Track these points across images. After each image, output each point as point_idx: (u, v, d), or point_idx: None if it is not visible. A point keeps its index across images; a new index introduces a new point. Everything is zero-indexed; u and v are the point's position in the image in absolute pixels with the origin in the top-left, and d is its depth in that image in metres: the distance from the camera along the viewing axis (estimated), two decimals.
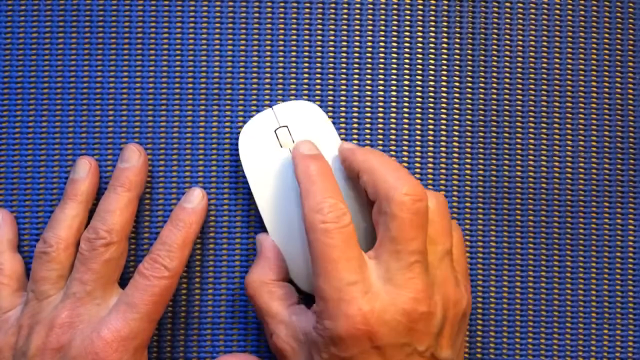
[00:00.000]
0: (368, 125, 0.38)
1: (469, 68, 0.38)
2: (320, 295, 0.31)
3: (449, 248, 0.32)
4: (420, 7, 0.38)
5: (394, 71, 0.38)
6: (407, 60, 0.38)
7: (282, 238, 0.36)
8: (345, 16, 0.38)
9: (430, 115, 0.38)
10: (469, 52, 0.38)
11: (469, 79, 0.38)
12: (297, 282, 0.36)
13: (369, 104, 0.38)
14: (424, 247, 0.31)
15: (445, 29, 0.38)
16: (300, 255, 0.35)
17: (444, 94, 0.38)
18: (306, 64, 0.38)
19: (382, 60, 0.38)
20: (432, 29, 0.38)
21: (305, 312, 0.33)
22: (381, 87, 0.38)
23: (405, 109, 0.38)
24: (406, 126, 0.38)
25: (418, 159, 0.38)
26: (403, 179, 0.32)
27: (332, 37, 0.38)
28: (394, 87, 0.38)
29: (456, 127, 0.38)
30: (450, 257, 0.33)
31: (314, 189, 0.32)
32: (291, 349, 0.33)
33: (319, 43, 0.38)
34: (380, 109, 0.38)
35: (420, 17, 0.38)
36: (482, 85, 0.38)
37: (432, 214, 0.32)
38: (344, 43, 0.38)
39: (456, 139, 0.38)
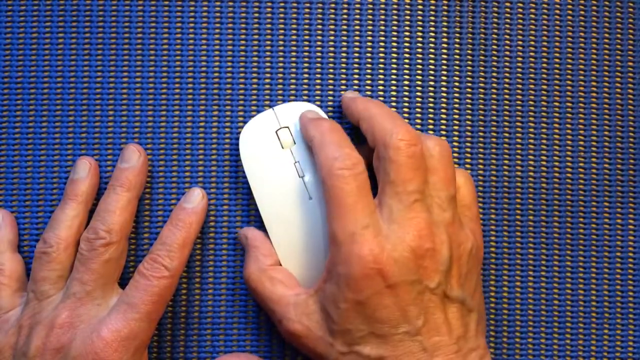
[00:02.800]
0: None
1: (469, 68, 0.38)
2: (334, 241, 0.32)
3: (453, 194, 0.33)
4: (420, 7, 0.38)
5: (394, 71, 0.38)
6: (407, 60, 0.38)
7: (282, 239, 0.36)
8: (345, 16, 0.38)
9: (430, 115, 0.38)
10: (469, 52, 0.38)
11: (469, 79, 0.38)
12: (299, 282, 0.36)
13: None
14: (422, 187, 0.32)
15: (445, 29, 0.38)
16: (299, 254, 0.35)
17: (444, 94, 0.38)
18: (306, 64, 0.38)
19: (382, 60, 0.38)
20: (432, 29, 0.38)
21: (306, 293, 0.34)
22: (381, 87, 0.38)
23: (405, 109, 0.38)
24: None
25: None
26: (398, 126, 0.33)
27: (332, 37, 0.38)
28: (394, 87, 0.38)
29: (456, 127, 0.38)
30: (455, 203, 0.34)
31: (330, 140, 0.33)
32: (304, 328, 0.33)
33: (319, 43, 0.38)
34: None
35: (420, 17, 0.38)
36: (482, 85, 0.38)
37: (435, 161, 0.33)
38: (344, 43, 0.38)
39: (456, 138, 0.38)
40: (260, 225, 0.37)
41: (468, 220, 0.34)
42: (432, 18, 0.38)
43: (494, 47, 0.38)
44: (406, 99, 0.38)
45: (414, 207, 0.32)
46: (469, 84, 0.38)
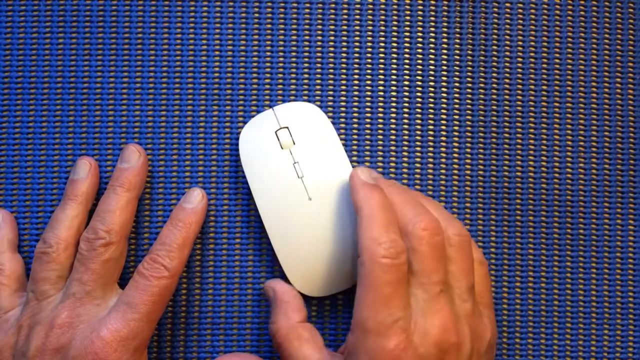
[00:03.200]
0: (368, 125, 0.38)
1: (469, 68, 0.38)
2: (362, 327, 0.31)
3: (472, 284, 0.33)
4: (420, 7, 0.38)
5: (394, 71, 0.38)
6: (407, 60, 0.38)
7: (282, 239, 0.36)
8: (345, 16, 0.38)
9: (430, 115, 0.38)
10: (469, 52, 0.38)
11: (469, 78, 0.38)
12: (295, 284, 0.36)
13: (369, 104, 0.38)
14: (445, 277, 0.32)
15: (445, 29, 0.38)
16: (299, 257, 0.35)
17: (444, 94, 0.38)
18: (306, 64, 0.38)
19: (382, 60, 0.38)
20: (432, 29, 0.38)
21: (334, 354, 0.33)
22: (381, 87, 0.38)
23: (405, 109, 0.38)
24: (406, 126, 0.38)
25: (418, 159, 0.38)
26: (421, 214, 0.32)
27: (332, 37, 0.38)
28: (394, 87, 0.38)
29: (456, 127, 0.38)
30: (474, 292, 0.33)
31: (378, 219, 0.32)
32: None
33: (319, 43, 0.38)
34: (380, 109, 0.38)
35: (420, 17, 0.38)
36: (482, 84, 0.38)
37: (454, 251, 0.32)
38: (344, 43, 0.38)
39: (456, 139, 0.38)
40: (261, 226, 0.37)
41: (483, 308, 0.34)
42: (432, 18, 0.38)
43: (494, 47, 0.38)
44: (406, 99, 0.38)
45: (439, 299, 0.31)
46: (469, 84, 0.38)
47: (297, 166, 0.35)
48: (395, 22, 0.38)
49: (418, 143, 0.38)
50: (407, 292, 0.31)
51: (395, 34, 0.38)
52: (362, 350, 0.31)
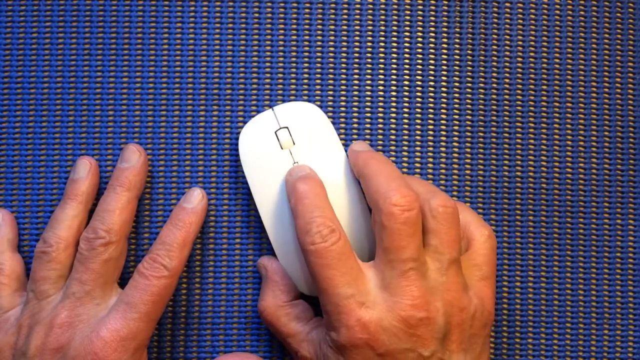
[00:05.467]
0: (368, 125, 0.38)
1: (469, 68, 0.38)
2: (323, 309, 0.32)
3: (456, 257, 0.32)
4: (420, 7, 0.38)
5: (394, 71, 0.38)
6: (407, 60, 0.38)
7: (281, 239, 0.36)
8: (345, 16, 0.38)
9: (430, 115, 0.38)
10: (469, 52, 0.38)
11: (469, 79, 0.38)
12: (297, 284, 0.36)
13: (369, 104, 0.38)
14: (417, 254, 0.31)
15: (445, 29, 0.38)
16: (299, 257, 0.35)
17: (444, 94, 0.38)
18: (306, 64, 0.38)
19: (382, 60, 0.38)
20: (432, 29, 0.38)
21: (321, 326, 0.34)
22: (381, 87, 0.38)
23: (405, 109, 0.38)
24: (406, 126, 0.38)
25: (418, 159, 0.38)
26: (393, 189, 0.32)
27: (332, 37, 0.38)
28: (394, 87, 0.38)
29: (456, 127, 0.38)
30: (458, 265, 0.33)
31: (301, 209, 0.33)
32: None
33: (319, 43, 0.38)
34: (380, 109, 0.38)
35: (420, 17, 0.38)
36: (482, 85, 0.38)
37: (437, 223, 0.32)
38: (344, 43, 0.38)
39: (456, 139, 0.38)
40: (261, 226, 0.37)
41: (476, 281, 0.33)
42: (432, 18, 0.38)
43: (494, 47, 0.38)
44: (406, 99, 0.38)
45: (408, 276, 0.31)
46: (469, 84, 0.38)
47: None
48: (395, 22, 0.38)
49: (418, 143, 0.38)
50: (355, 265, 0.32)
51: (395, 34, 0.38)
52: (330, 329, 0.32)
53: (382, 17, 0.38)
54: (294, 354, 0.35)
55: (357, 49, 0.38)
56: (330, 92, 0.38)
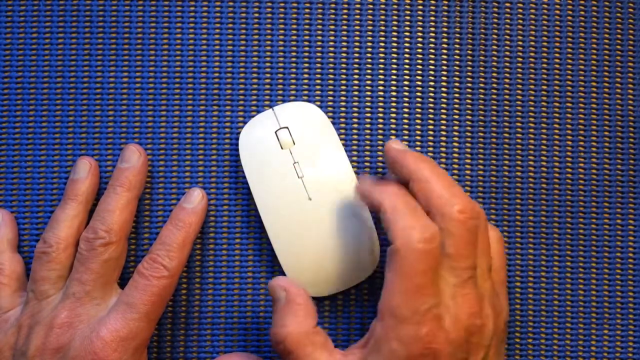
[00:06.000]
0: (368, 126, 0.38)
1: (469, 68, 0.38)
2: (395, 314, 0.30)
3: (490, 263, 0.33)
4: (420, 7, 0.38)
5: (394, 71, 0.38)
6: (407, 60, 0.38)
7: (282, 240, 0.36)
8: (345, 16, 0.38)
9: (430, 115, 0.38)
10: (469, 52, 0.38)
11: (469, 78, 0.38)
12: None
13: (369, 104, 0.38)
14: (475, 263, 0.32)
15: (445, 29, 0.38)
16: (299, 256, 0.35)
17: (444, 94, 0.38)
18: (306, 64, 0.38)
19: (382, 60, 0.38)
20: (432, 29, 0.38)
21: (347, 353, 0.32)
22: (381, 87, 0.38)
23: (405, 109, 0.38)
24: (406, 126, 0.38)
25: None
26: (457, 196, 0.32)
27: (332, 37, 0.38)
28: (394, 87, 0.38)
29: (456, 127, 0.38)
30: (491, 271, 0.33)
31: (403, 208, 0.31)
32: None
33: (319, 43, 0.38)
34: (380, 109, 0.38)
35: (420, 17, 0.38)
36: (482, 84, 0.38)
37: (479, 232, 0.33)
38: (344, 43, 0.38)
39: (456, 139, 0.38)
40: (261, 226, 0.37)
41: (498, 286, 0.34)
42: (432, 18, 0.38)
43: (494, 47, 0.38)
44: (406, 99, 0.38)
45: (467, 284, 0.31)
46: (469, 84, 0.38)
47: (297, 166, 0.35)
48: (395, 22, 0.38)
49: (418, 143, 0.38)
50: (439, 276, 0.31)
51: (395, 34, 0.38)
52: (394, 337, 0.30)
53: (382, 17, 0.38)
54: None
55: (357, 49, 0.38)
56: (330, 92, 0.38)
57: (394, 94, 0.38)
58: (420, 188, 0.32)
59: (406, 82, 0.38)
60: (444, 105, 0.38)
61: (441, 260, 0.31)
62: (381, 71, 0.38)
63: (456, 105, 0.38)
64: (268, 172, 0.36)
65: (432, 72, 0.38)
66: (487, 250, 0.33)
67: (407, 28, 0.38)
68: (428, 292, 0.30)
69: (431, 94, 0.38)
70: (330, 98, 0.38)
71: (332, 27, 0.38)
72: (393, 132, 0.38)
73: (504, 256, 0.35)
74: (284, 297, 0.32)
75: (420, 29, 0.38)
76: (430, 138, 0.38)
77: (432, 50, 0.38)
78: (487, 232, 0.33)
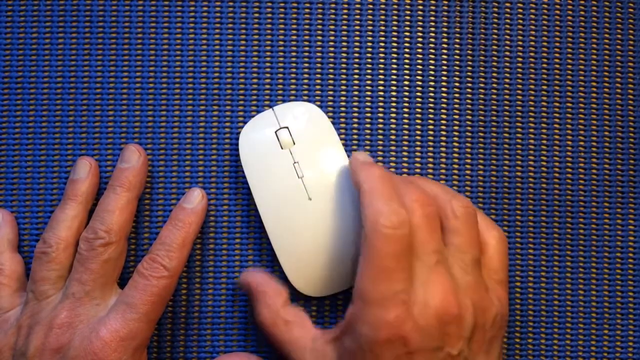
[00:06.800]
0: (368, 125, 0.38)
1: (469, 68, 0.38)
2: (363, 298, 0.31)
3: (477, 257, 0.33)
4: (420, 7, 0.38)
5: (394, 71, 0.38)
6: (407, 60, 0.38)
7: (282, 240, 0.36)
8: (345, 16, 0.38)
9: (430, 115, 0.38)
10: (469, 52, 0.38)
11: (469, 78, 0.38)
12: (295, 284, 0.36)
13: (369, 104, 0.38)
14: (440, 247, 0.32)
15: (445, 29, 0.38)
16: (299, 257, 0.35)
17: (444, 94, 0.38)
18: (306, 64, 0.38)
19: (382, 60, 0.38)
20: (432, 29, 0.38)
21: (325, 331, 0.33)
22: (381, 87, 0.38)
23: (405, 109, 0.38)
24: (406, 126, 0.38)
25: (418, 159, 0.38)
26: (412, 189, 0.32)
27: (332, 37, 0.38)
28: (394, 87, 0.38)
29: (456, 127, 0.38)
30: (479, 266, 0.33)
31: (379, 191, 0.32)
32: None
33: (319, 43, 0.38)
34: (380, 109, 0.38)
35: (420, 17, 0.38)
36: (482, 84, 0.38)
37: (459, 223, 0.32)
38: (344, 43, 0.38)
39: (456, 139, 0.38)
40: (261, 226, 0.37)
41: (494, 285, 0.33)
42: (432, 18, 0.38)
43: (494, 47, 0.38)
44: (406, 99, 0.38)
45: (437, 269, 0.31)
46: (469, 84, 0.38)
47: (297, 166, 0.35)
48: (395, 22, 0.38)
49: (418, 143, 0.38)
50: (410, 264, 0.31)
51: (395, 34, 0.38)
52: (362, 321, 0.31)
53: (382, 17, 0.38)
54: None
55: (357, 49, 0.38)
56: (330, 92, 0.38)
57: (394, 94, 0.38)
58: (366, 197, 0.32)
59: (406, 82, 0.38)
60: (444, 105, 0.38)
61: (413, 248, 0.31)
62: (381, 71, 0.38)
63: (456, 105, 0.38)
64: (268, 172, 0.36)
65: (432, 72, 0.38)
66: (471, 242, 0.32)
67: (407, 28, 0.38)
68: (396, 277, 0.30)
69: (431, 94, 0.38)
70: (330, 98, 0.38)
71: (332, 27, 0.38)
72: (393, 132, 0.38)
73: (505, 256, 0.34)
74: (249, 290, 0.35)
75: (420, 29, 0.38)
76: (430, 138, 0.38)
77: (432, 50, 0.38)
78: (473, 226, 0.33)
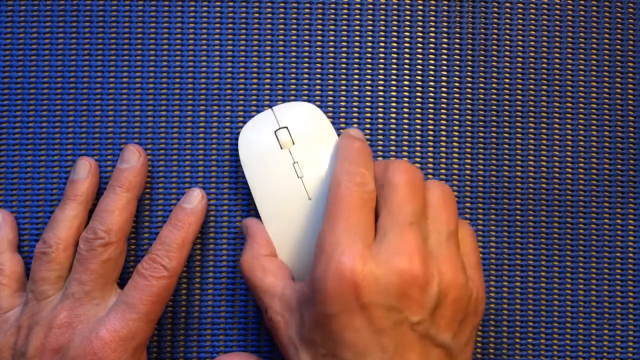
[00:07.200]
0: (368, 125, 0.38)
1: (469, 68, 0.38)
2: (320, 246, 0.31)
3: (454, 230, 0.32)
4: (420, 7, 0.38)
5: (394, 71, 0.38)
6: (407, 60, 0.38)
7: (282, 238, 0.36)
8: (345, 16, 0.38)
9: (430, 115, 0.38)
10: (469, 52, 0.38)
11: (469, 78, 0.38)
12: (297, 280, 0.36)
13: (369, 104, 0.38)
14: (419, 213, 0.31)
15: (445, 29, 0.38)
16: (299, 254, 0.35)
17: (444, 94, 0.38)
18: (306, 64, 0.38)
19: (382, 60, 0.38)
20: (432, 29, 0.38)
21: (297, 282, 0.33)
22: (381, 87, 0.38)
23: (405, 109, 0.38)
24: (406, 126, 0.38)
25: (418, 159, 0.38)
26: (398, 160, 0.33)
27: (332, 37, 0.38)
28: (394, 87, 0.38)
29: (456, 127, 0.38)
30: (456, 240, 0.32)
31: (352, 158, 0.33)
32: (283, 321, 0.32)
33: (319, 43, 0.38)
34: (380, 109, 0.38)
35: (420, 17, 0.38)
36: (482, 84, 0.38)
37: (437, 198, 0.32)
38: (344, 43, 0.38)
39: (456, 138, 0.38)
40: None
41: (468, 267, 0.32)
42: (432, 18, 0.38)
43: (494, 47, 0.38)
44: (406, 98, 0.38)
45: (408, 230, 0.30)
46: (469, 84, 0.38)
47: (296, 166, 0.35)
48: (395, 22, 0.38)
49: (418, 143, 0.38)
50: (371, 220, 0.31)
51: (395, 34, 0.38)
52: (316, 267, 0.30)
53: (382, 17, 0.38)
54: (263, 311, 0.33)
55: (357, 49, 0.38)
56: (330, 92, 0.38)
57: (394, 94, 0.38)
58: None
59: (406, 82, 0.38)
60: (444, 105, 0.38)
61: (381, 212, 0.31)
62: (381, 71, 0.38)
63: (456, 105, 0.38)
64: (268, 172, 0.36)
65: (432, 72, 0.38)
66: (448, 219, 0.32)
67: (407, 28, 0.38)
68: (355, 227, 0.30)
69: (431, 94, 0.38)
70: (330, 98, 0.38)
71: (332, 27, 0.38)
72: (393, 132, 0.38)
73: (475, 244, 0.34)
74: (246, 232, 0.35)
75: (420, 29, 0.38)
76: (430, 138, 0.38)
77: (432, 50, 0.38)
78: (452, 205, 0.32)
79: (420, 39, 0.38)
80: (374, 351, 0.29)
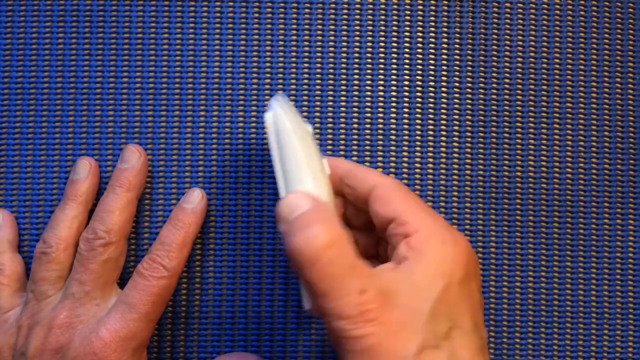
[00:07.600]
0: (368, 126, 0.38)
1: (469, 68, 0.38)
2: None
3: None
4: (420, 7, 0.38)
5: (394, 71, 0.38)
6: (407, 60, 0.38)
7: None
8: (345, 16, 0.38)
9: (430, 115, 0.38)
10: (469, 52, 0.38)
11: (469, 78, 0.38)
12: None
13: (369, 104, 0.38)
14: None
15: (445, 29, 0.38)
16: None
17: (444, 94, 0.38)
18: (306, 64, 0.38)
19: (382, 60, 0.38)
20: (432, 29, 0.38)
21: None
22: (381, 87, 0.38)
23: (405, 109, 0.38)
24: (406, 126, 0.38)
25: (418, 159, 0.38)
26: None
27: (332, 37, 0.38)
28: (394, 87, 0.38)
29: (456, 127, 0.38)
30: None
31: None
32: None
33: (319, 43, 0.38)
34: (380, 109, 0.38)
35: (420, 17, 0.38)
36: (482, 84, 0.38)
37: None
38: (344, 43, 0.38)
39: (456, 139, 0.38)
40: (261, 226, 0.36)
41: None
42: (432, 18, 0.38)
43: (494, 47, 0.38)
44: (406, 99, 0.38)
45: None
46: (469, 84, 0.38)
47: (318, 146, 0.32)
48: (395, 22, 0.38)
49: (418, 143, 0.38)
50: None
51: (395, 34, 0.38)
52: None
53: (382, 17, 0.38)
54: (357, 293, 0.27)
55: (357, 49, 0.38)
56: (330, 92, 0.38)
57: (394, 94, 0.38)
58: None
59: (406, 82, 0.38)
60: (444, 105, 0.38)
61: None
62: (381, 71, 0.38)
63: (456, 105, 0.38)
64: (296, 144, 0.31)
65: (432, 72, 0.38)
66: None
67: (407, 28, 0.38)
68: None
69: (431, 94, 0.38)
70: (330, 98, 0.38)
71: (332, 27, 0.38)
72: (393, 132, 0.38)
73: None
74: (309, 205, 0.28)
75: (420, 29, 0.38)
76: (430, 138, 0.38)
77: (432, 50, 0.38)
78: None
79: (420, 39, 0.38)
80: None
